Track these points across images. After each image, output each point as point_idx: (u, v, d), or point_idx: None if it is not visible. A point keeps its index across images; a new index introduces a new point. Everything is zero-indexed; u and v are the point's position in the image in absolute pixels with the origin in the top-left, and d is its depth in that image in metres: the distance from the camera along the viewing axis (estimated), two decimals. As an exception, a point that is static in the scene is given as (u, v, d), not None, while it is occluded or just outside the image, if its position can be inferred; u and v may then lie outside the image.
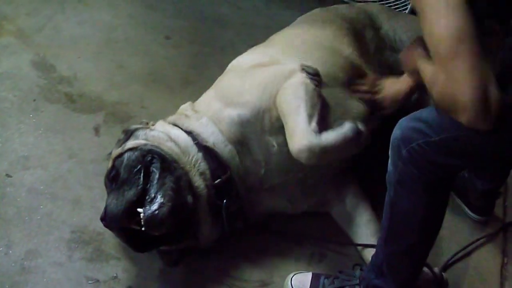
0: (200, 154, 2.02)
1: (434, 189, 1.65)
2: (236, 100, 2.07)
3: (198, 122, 2.09)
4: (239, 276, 2.12)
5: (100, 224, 2.01)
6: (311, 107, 1.97)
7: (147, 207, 1.82)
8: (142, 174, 1.89)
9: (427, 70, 1.58)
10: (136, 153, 1.97)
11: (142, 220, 1.81)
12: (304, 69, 2.07)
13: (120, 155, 2.00)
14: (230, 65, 2.34)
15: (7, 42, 2.94)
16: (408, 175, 1.63)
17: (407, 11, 3.21)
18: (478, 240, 2.35)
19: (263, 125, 2.04)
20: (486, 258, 2.32)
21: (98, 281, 2.03)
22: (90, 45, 3.02)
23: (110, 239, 2.14)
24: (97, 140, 2.53)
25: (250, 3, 3.53)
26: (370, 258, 2.01)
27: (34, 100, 2.65)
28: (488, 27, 1.52)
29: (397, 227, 1.76)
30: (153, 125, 2.17)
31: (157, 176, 1.89)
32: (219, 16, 3.40)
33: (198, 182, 1.99)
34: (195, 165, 2.01)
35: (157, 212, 1.81)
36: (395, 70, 2.50)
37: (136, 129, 2.13)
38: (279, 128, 2.01)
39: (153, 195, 1.85)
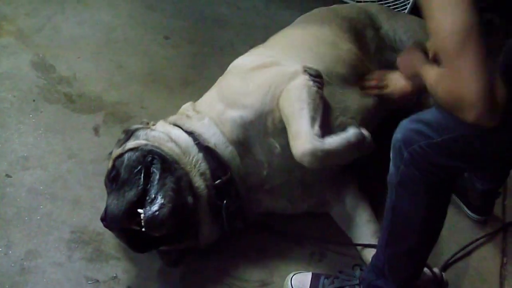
0: (200, 155, 2.02)
1: (435, 191, 1.65)
2: (239, 102, 2.07)
3: (200, 123, 2.09)
4: (239, 276, 2.12)
5: (100, 224, 2.01)
6: (313, 110, 1.97)
7: (148, 208, 1.82)
8: (142, 175, 1.89)
9: (430, 71, 1.58)
10: (136, 153, 1.97)
11: (142, 221, 1.81)
12: (307, 70, 2.07)
13: (121, 155, 2.00)
14: (230, 66, 2.33)
15: (7, 42, 2.93)
16: (409, 177, 1.63)
17: (406, 11, 3.22)
18: (477, 240, 2.36)
19: (266, 127, 2.04)
20: (486, 258, 2.32)
21: (97, 281, 2.03)
22: (90, 45, 3.02)
23: (109, 239, 2.14)
24: (96, 140, 2.53)
25: (249, 3, 3.53)
26: (369, 258, 2.01)
27: (34, 100, 2.65)
28: (488, 21, 1.52)
29: (398, 229, 1.76)
30: (153, 125, 2.17)
31: (157, 176, 1.89)
32: (219, 16, 3.40)
33: (199, 182, 1.99)
34: (196, 165, 2.00)
35: (157, 213, 1.81)
36: (394, 70, 2.51)
37: (137, 129, 2.13)
38: (282, 130, 2.01)
39: (153, 196, 1.85)
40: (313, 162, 1.89)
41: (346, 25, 2.47)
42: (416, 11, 3.08)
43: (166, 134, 2.07)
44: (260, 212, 2.20)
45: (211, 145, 2.03)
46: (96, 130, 2.57)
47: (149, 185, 1.88)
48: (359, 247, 2.20)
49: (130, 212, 1.84)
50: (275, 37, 2.50)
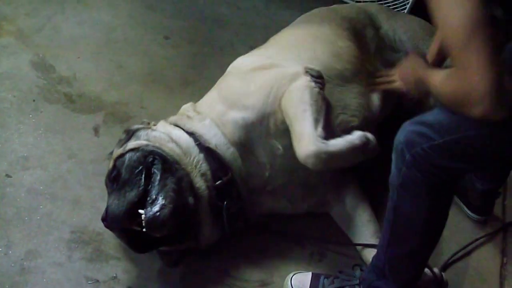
0: (201, 155, 2.02)
1: (437, 193, 1.65)
2: (240, 103, 2.06)
3: (201, 124, 2.09)
4: (239, 276, 2.12)
5: (100, 224, 2.00)
6: (316, 111, 1.97)
7: (149, 209, 1.82)
8: (143, 175, 1.89)
9: (434, 73, 1.58)
10: (137, 153, 1.97)
11: (143, 222, 1.81)
12: (308, 71, 2.07)
13: (122, 155, 2.00)
14: (230, 67, 2.33)
15: (7, 42, 2.93)
16: (411, 179, 1.63)
17: (406, 11, 3.22)
18: (477, 239, 2.36)
19: (268, 128, 2.04)
20: (486, 258, 2.33)
21: (97, 281, 2.03)
22: (90, 45, 3.01)
23: (109, 239, 2.14)
24: (96, 140, 2.53)
25: (249, 3, 3.53)
26: (369, 258, 2.01)
27: (34, 101, 2.64)
28: (491, 15, 1.52)
29: (400, 230, 1.76)
30: (154, 125, 2.17)
31: (158, 177, 1.89)
32: (219, 16, 3.40)
33: (199, 183, 1.99)
34: (197, 166, 2.00)
35: (158, 213, 1.81)
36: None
37: (138, 129, 2.13)
38: (284, 131, 2.01)
39: (154, 197, 1.85)
40: (317, 164, 1.88)
41: (345, 24, 2.47)
42: (416, 11, 3.09)
43: (167, 134, 2.06)
44: (261, 213, 2.20)
45: (212, 146, 2.03)
46: (96, 130, 2.57)
47: (150, 186, 1.88)
48: (359, 247, 2.20)
49: (131, 213, 1.84)
50: (275, 37, 2.50)
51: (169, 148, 2.01)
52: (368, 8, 2.70)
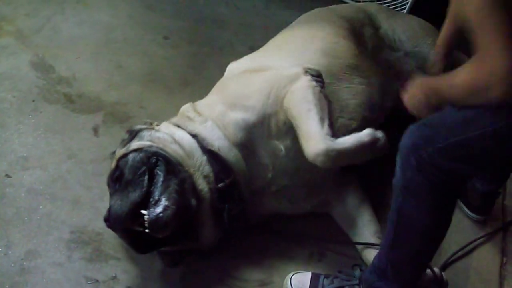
0: (204, 157, 2.02)
1: (442, 196, 1.65)
2: (240, 103, 2.06)
3: (203, 126, 2.08)
4: (239, 276, 2.12)
5: (100, 225, 2.01)
6: (321, 110, 1.97)
7: (152, 210, 1.82)
8: (146, 176, 1.89)
9: (448, 75, 1.58)
10: (141, 154, 1.97)
11: (146, 222, 1.81)
12: (308, 71, 2.07)
13: (125, 155, 2.00)
14: (229, 67, 2.34)
15: (6, 42, 2.93)
16: (416, 183, 1.63)
17: (405, 10, 3.22)
18: (477, 239, 2.36)
19: (269, 129, 2.04)
20: (486, 258, 2.32)
21: (97, 281, 2.03)
22: (89, 46, 3.02)
23: (109, 239, 2.14)
24: (96, 140, 2.53)
25: (248, 3, 3.53)
26: (370, 258, 2.02)
27: (33, 101, 2.64)
28: None
29: (403, 233, 1.76)
30: (157, 125, 2.17)
31: (161, 178, 1.89)
32: (218, 16, 3.40)
33: (202, 185, 1.99)
34: (200, 168, 2.00)
35: (161, 214, 1.81)
36: (394, 69, 2.51)
37: (141, 130, 2.12)
38: (286, 132, 2.01)
39: (157, 198, 1.85)
40: (326, 162, 1.88)
41: (344, 24, 2.47)
42: (416, 11, 3.09)
43: (170, 135, 2.06)
44: (263, 214, 2.20)
45: (214, 148, 2.03)
46: (95, 130, 2.57)
47: (153, 187, 1.88)
48: (359, 247, 2.20)
49: (134, 213, 1.84)
50: (275, 38, 2.51)
51: (172, 149, 2.01)
52: (367, 8, 2.70)
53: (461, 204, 2.44)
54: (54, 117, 2.59)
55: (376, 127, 2.32)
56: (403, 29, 2.59)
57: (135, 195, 1.86)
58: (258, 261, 2.17)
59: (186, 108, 2.22)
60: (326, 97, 2.04)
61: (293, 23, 2.64)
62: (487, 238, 2.38)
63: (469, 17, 1.43)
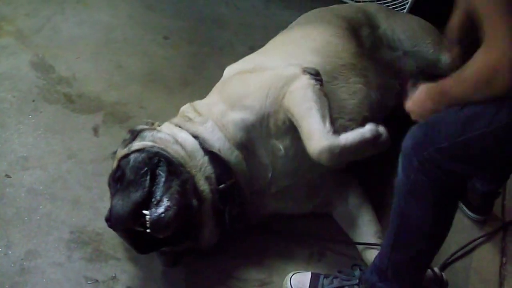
0: (206, 158, 2.02)
1: (444, 197, 1.65)
2: (239, 103, 2.06)
3: (203, 127, 2.08)
4: (239, 276, 2.12)
5: (99, 225, 2.01)
6: (322, 108, 1.97)
7: (153, 210, 1.82)
8: (148, 177, 1.89)
9: (455, 74, 1.58)
10: (142, 155, 1.97)
11: (148, 223, 1.81)
12: (306, 70, 2.07)
13: (126, 155, 2.00)
14: (228, 68, 2.34)
15: (6, 42, 2.94)
16: (419, 184, 1.63)
17: (405, 10, 3.22)
18: (477, 239, 2.36)
19: (268, 129, 2.04)
20: (485, 258, 2.32)
21: (97, 281, 2.03)
22: (89, 46, 3.02)
23: (109, 239, 2.14)
24: (96, 140, 2.53)
25: (248, 3, 3.53)
26: (370, 259, 2.02)
27: (33, 101, 2.65)
28: None
29: (405, 235, 1.76)
30: (158, 125, 2.17)
31: (163, 179, 1.89)
32: (218, 16, 3.40)
33: (203, 186, 1.99)
34: (201, 169, 2.01)
35: (163, 215, 1.81)
36: (393, 68, 2.51)
37: (142, 130, 2.12)
38: (285, 132, 2.02)
39: (159, 198, 1.85)
40: (331, 159, 1.88)
41: (341, 23, 2.47)
42: (415, 10, 3.09)
43: (172, 136, 2.06)
44: (264, 214, 2.20)
45: (215, 150, 2.03)
46: (95, 130, 2.57)
47: (154, 187, 1.88)
48: (360, 248, 2.20)
49: (135, 213, 1.84)
50: (275, 39, 2.51)
51: (174, 150, 2.01)
52: (367, 8, 2.70)
53: (461, 204, 2.44)
54: (54, 117, 2.59)
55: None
56: (402, 29, 2.59)
57: (136, 195, 1.86)
58: (258, 261, 2.17)
59: (186, 109, 2.22)
60: (326, 95, 2.04)
61: (293, 23, 2.65)
62: (486, 238, 2.38)
63: (476, 5, 1.44)
